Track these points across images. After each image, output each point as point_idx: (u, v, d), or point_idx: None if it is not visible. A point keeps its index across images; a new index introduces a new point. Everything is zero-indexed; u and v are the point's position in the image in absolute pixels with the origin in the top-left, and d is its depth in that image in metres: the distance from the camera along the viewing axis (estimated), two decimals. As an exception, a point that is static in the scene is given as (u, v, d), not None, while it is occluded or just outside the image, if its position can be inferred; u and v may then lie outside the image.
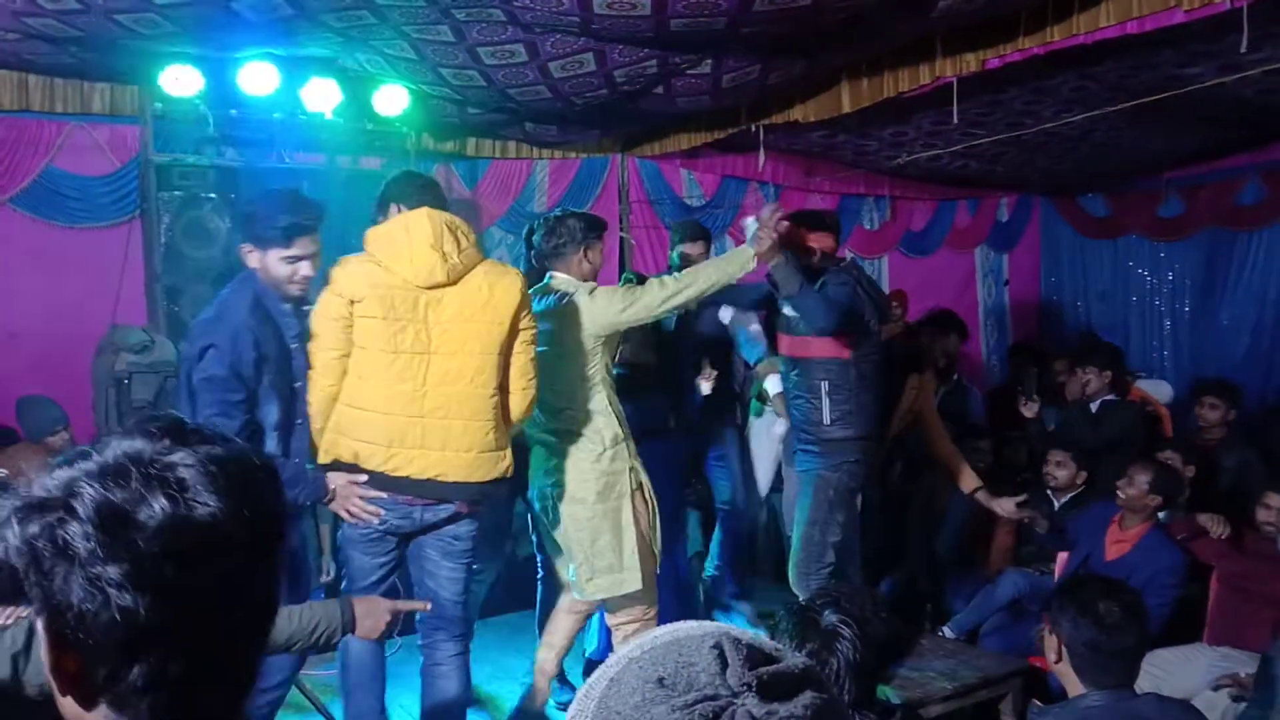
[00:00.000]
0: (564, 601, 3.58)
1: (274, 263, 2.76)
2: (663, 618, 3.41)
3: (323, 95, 4.29)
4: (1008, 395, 5.98)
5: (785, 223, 3.44)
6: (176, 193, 4.23)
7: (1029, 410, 4.97)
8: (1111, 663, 2.02)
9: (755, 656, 0.67)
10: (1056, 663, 2.09)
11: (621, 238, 5.84)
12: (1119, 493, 4.03)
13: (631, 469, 3.35)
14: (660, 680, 0.65)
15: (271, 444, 2.79)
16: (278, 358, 2.79)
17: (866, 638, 2.01)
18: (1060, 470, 4.54)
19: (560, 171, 5.69)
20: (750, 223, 3.46)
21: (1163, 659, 3.46)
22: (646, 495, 3.40)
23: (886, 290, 6.61)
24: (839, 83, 4.49)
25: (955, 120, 4.37)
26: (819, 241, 3.70)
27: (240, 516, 0.79)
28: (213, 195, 4.30)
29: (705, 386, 4.23)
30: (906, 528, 5.06)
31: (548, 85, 4.24)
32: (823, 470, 3.72)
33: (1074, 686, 2.07)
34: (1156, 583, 3.81)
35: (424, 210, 2.83)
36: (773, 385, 4.31)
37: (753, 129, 5.06)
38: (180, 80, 3.96)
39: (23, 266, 4.27)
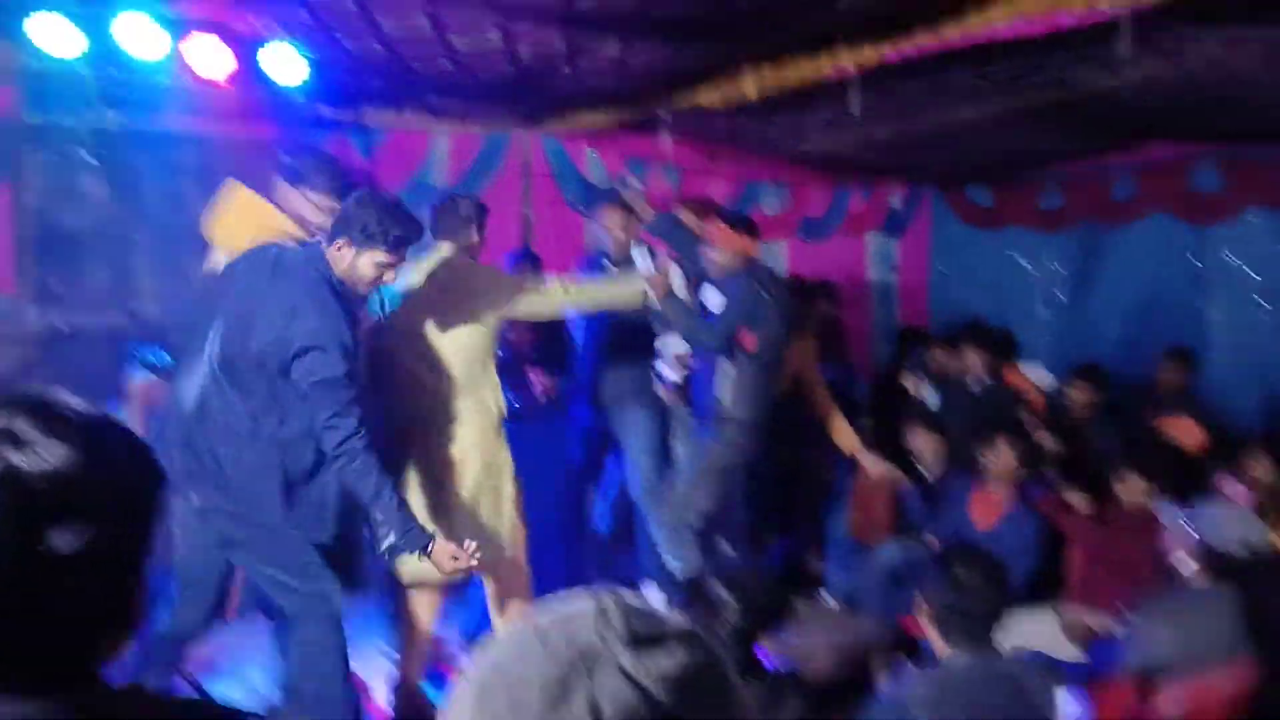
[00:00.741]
0: None
1: (365, 263, 2.80)
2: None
3: (212, 58, 4.09)
4: (894, 376, 6.21)
5: (674, 264, 3.54)
6: (51, 157, 3.98)
7: (912, 386, 5.19)
8: (969, 624, 2.14)
9: (633, 614, 0.69)
10: (927, 626, 2.22)
11: (524, 215, 5.78)
12: (986, 464, 4.26)
13: None
14: (539, 631, 0.68)
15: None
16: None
17: (750, 608, 2.10)
18: (925, 447, 4.72)
19: (462, 146, 5.57)
20: (642, 264, 3.52)
21: (1022, 620, 3.68)
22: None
23: (784, 273, 6.76)
24: (744, 70, 4.54)
25: (855, 111, 4.48)
26: (740, 243, 3.79)
27: (93, 474, 0.76)
28: (92, 160, 4.06)
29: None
30: (795, 500, 5.23)
31: (450, 59, 4.15)
32: (710, 443, 3.84)
33: (941, 648, 2.19)
34: (1023, 548, 4.07)
35: None
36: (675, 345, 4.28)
37: (658, 112, 5.07)
38: (57, 38, 3.71)
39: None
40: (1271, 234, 6.55)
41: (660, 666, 0.66)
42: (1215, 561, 2.69)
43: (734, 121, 5.48)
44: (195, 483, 2.83)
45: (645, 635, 0.67)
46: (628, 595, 0.72)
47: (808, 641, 3.78)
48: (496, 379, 3.33)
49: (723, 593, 2.08)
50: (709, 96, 4.76)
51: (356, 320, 2.90)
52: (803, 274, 6.91)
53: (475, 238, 3.50)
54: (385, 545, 2.83)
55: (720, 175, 6.64)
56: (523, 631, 0.70)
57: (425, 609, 3.45)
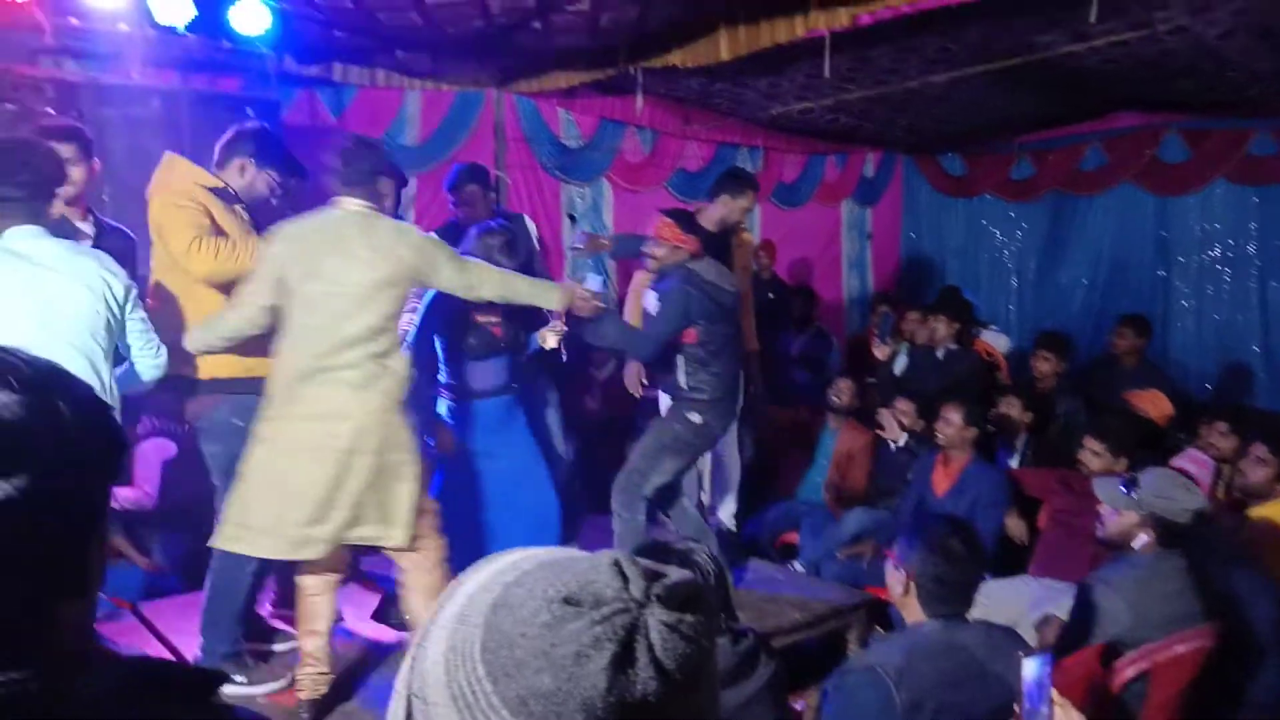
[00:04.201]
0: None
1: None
2: None
3: (174, 7, 4.00)
4: (866, 342, 6.26)
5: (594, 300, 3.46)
6: (8, 106, 3.89)
7: (880, 352, 5.24)
8: (952, 593, 2.18)
9: (649, 572, 0.69)
10: (903, 595, 2.23)
11: (497, 176, 5.74)
12: (938, 435, 4.32)
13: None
14: (566, 599, 0.65)
15: None
16: None
17: (721, 575, 2.12)
18: (905, 418, 4.86)
19: (433, 104, 5.50)
20: (589, 277, 3.51)
21: (991, 589, 3.73)
22: None
23: (758, 239, 6.78)
24: (717, 30, 4.51)
25: (827, 74, 4.48)
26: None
27: (36, 423, 0.74)
28: (50, 111, 3.97)
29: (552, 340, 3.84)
30: (777, 471, 5.30)
31: (419, 12, 4.09)
32: (669, 417, 3.88)
33: (914, 616, 2.23)
34: (983, 503, 4.15)
35: None
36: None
37: (631, 71, 5.04)
38: (11, -20, 3.62)
39: None
40: (1236, 205, 6.64)
41: (695, 617, 0.67)
42: (1164, 530, 2.74)
43: (708, 84, 5.46)
44: None
45: (671, 591, 0.67)
46: (620, 553, 0.71)
47: (779, 606, 3.84)
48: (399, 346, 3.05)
49: (692, 550, 2.08)
50: (682, 57, 4.73)
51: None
52: (774, 240, 6.93)
53: (385, 191, 3.42)
54: None
55: (693, 138, 6.61)
56: (540, 599, 0.66)
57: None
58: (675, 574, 0.70)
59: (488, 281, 3.19)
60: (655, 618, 0.65)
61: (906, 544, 2.25)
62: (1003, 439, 4.85)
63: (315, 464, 2.80)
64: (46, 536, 0.75)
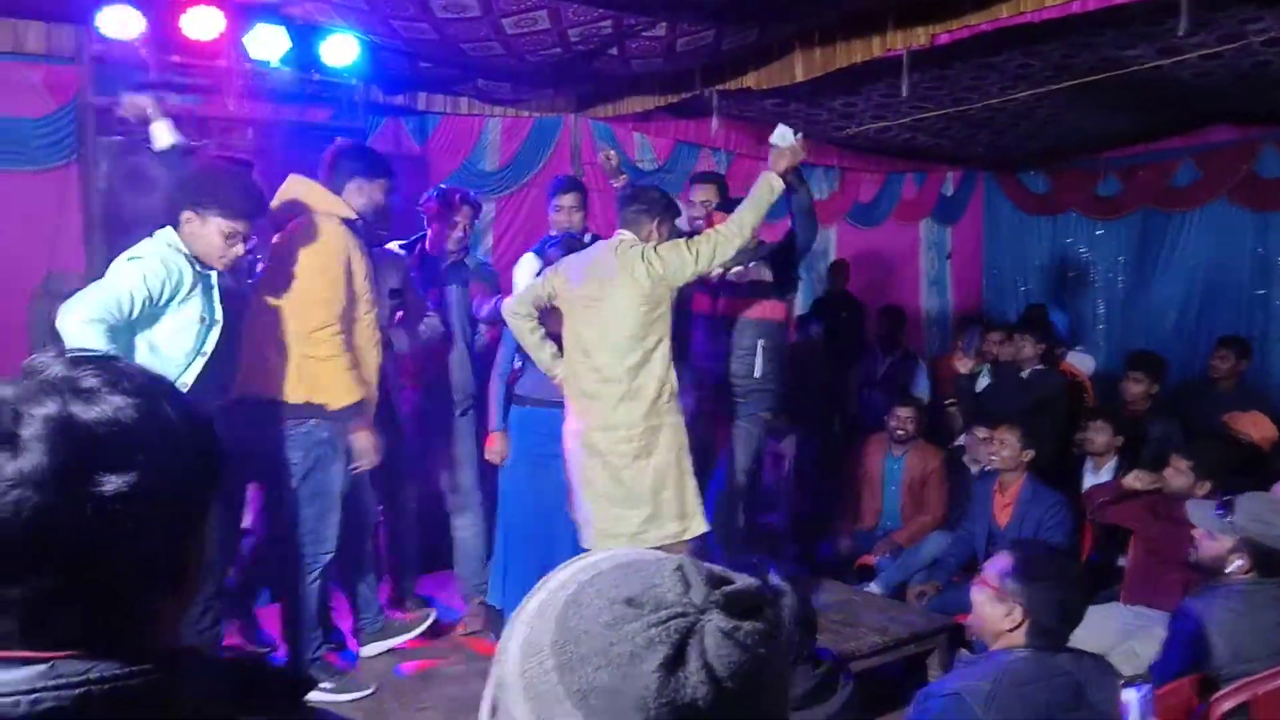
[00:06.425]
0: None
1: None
2: None
3: (268, 43, 4.19)
4: (946, 363, 6.15)
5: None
6: (116, 137, 4.11)
7: (963, 365, 5.12)
8: (1067, 625, 2.13)
9: (714, 578, 0.70)
10: (1012, 630, 2.14)
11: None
12: (994, 459, 4.19)
13: None
14: (629, 600, 0.68)
15: None
16: None
17: (804, 596, 2.10)
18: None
19: (513, 130, 5.63)
20: (784, 132, 3.54)
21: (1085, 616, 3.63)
22: None
23: (833, 258, 6.75)
24: (792, 51, 4.52)
25: (904, 93, 4.43)
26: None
27: (146, 427, 0.78)
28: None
29: None
30: (842, 492, 5.22)
31: (500, 41, 4.20)
32: (751, 420, 3.91)
33: (1006, 643, 2.16)
34: (1045, 528, 4.02)
35: None
36: None
37: (706, 94, 5.07)
38: (120, 21, 3.84)
39: (-49, 210, 4.12)
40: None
41: (754, 625, 0.68)
42: (1261, 557, 2.62)
43: (782, 104, 5.46)
44: None
45: (733, 597, 0.68)
46: (691, 558, 0.72)
47: (858, 630, 3.78)
48: None
49: (779, 580, 2.05)
50: (756, 78, 4.75)
51: None
52: (849, 260, 6.87)
53: (649, 224, 3.52)
54: None
55: (768, 159, 6.59)
56: (605, 599, 0.69)
57: None
58: (741, 581, 0.71)
59: (719, 238, 3.37)
60: (713, 624, 0.66)
61: (1015, 576, 2.15)
62: (1090, 463, 4.70)
63: (605, 470, 3.34)
64: (151, 533, 0.79)
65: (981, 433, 4.80)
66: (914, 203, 7.65)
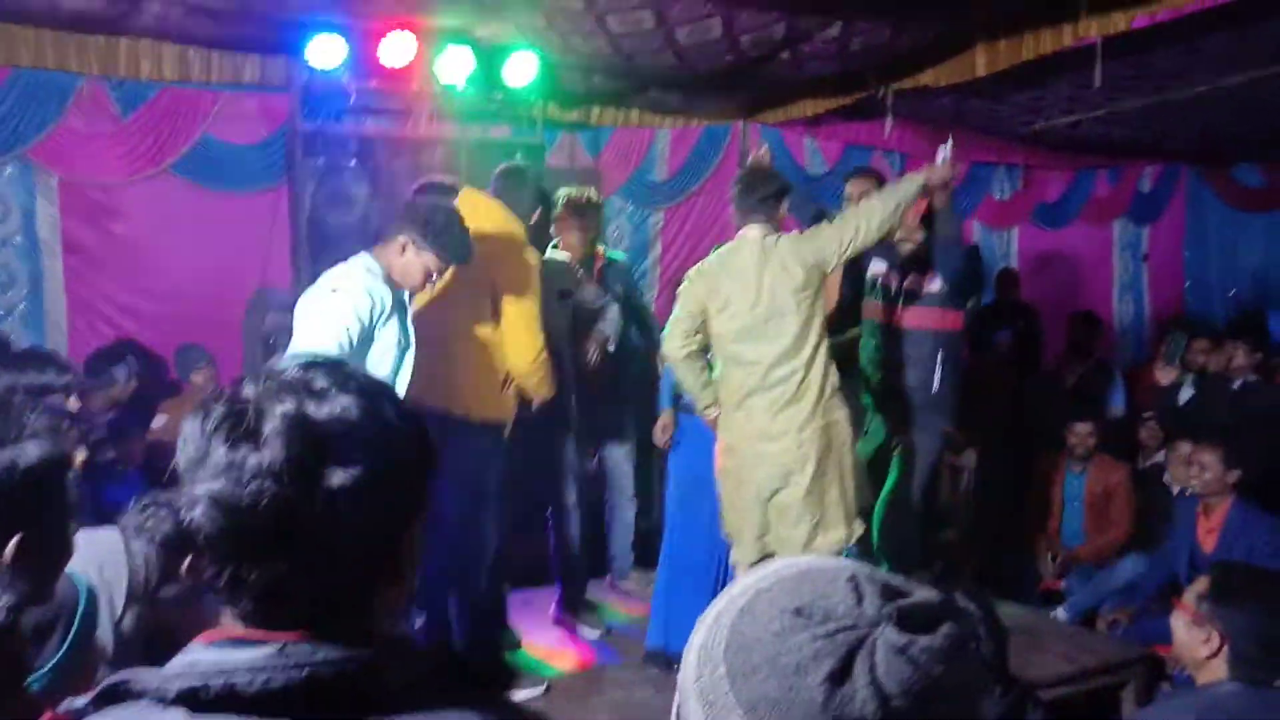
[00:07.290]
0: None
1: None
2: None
3: (456, 65, 4.41)
4: (1144, 373, 5.72)
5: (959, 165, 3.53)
6: (320, 160, 4.44)
7: (1164, 375, 4.75)
8: (1273, 656, 1.96)
9: (889, 590, 0.68)
10: (1208, 658, 2.01)
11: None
12: (1194, 482, 3.83)
13: None
14: (797, 610, 0.67)
15: None
16: None
17: (992, 619, 1.99)
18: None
19: (681, 139, 5.69)
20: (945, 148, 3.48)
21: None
22: None
23: (1014, 264, 6.42)
24: (974, 44, 4.33)
25: (1098, 83, 4.17)
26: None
27: (370, 424, 0.83)
28: (352, 163, 4.50)
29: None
30: (1023, 509, 4.94)
31: (674, 52, 4.25)
32: (931, 428, 3.79)
33: (1212, 676, 2.01)
34: (1258, 556, 3.64)
35: None
36: None
37: (880, 94, 4.95)
38: (326, 50, 4.14)
39: (181, 229, 4.53)
40: None
41: (929, 642, 0.65)
42: None
43: (960, 101, 5.25)
44: None
45: (908, 611, 0.66)
46: (870, 568, 0.71)
47: (1045, 658, 3.56)
48: None
49: (969, 604, 1.95)
50: (934, 75, 4.59)
51: None
52: (1032, 265, 6.52)
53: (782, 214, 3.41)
54: None
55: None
56: (775, 608, 0.68)
57: None
58: (920, 595, 0.68)
59: (858, 217, 3.23)
60: (884, 638, 0.64)
61: (1211, 598, 2.02)
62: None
63: (761, 479, 3.16)
64: (373, 524, 0.84)
65: (1185, 448, 4.42)
66: (1107, 201, 7.18)
